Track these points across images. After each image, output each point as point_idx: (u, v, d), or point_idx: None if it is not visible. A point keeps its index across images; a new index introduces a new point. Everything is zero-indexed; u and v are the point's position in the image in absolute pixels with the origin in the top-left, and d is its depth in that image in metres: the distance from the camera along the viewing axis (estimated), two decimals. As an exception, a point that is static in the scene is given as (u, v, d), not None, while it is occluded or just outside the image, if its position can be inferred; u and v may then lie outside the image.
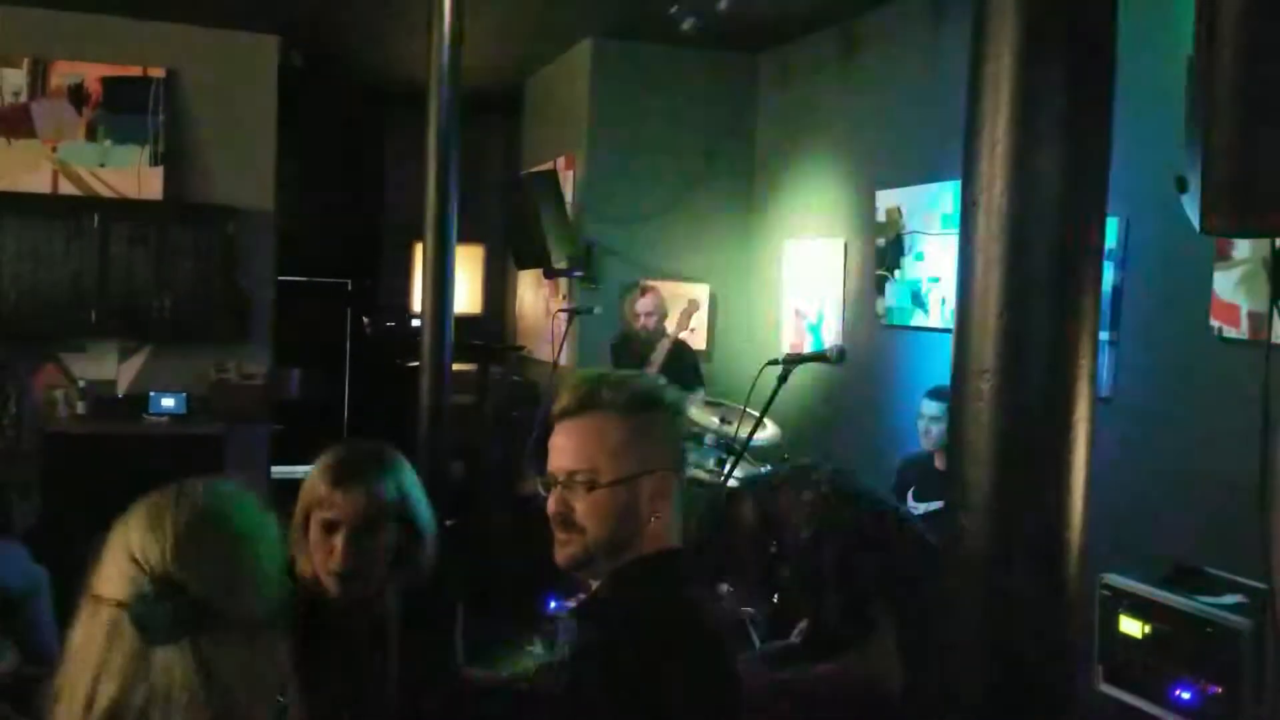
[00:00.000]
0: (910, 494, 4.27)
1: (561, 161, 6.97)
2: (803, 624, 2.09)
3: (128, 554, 1.19)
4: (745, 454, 3.82)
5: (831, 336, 5.84)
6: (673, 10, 5.31)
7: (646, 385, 1.62)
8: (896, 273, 5.31)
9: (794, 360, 3.61)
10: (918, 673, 1.91)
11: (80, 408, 6.37)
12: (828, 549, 1.97)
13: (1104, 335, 3.93)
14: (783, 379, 3.45)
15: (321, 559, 1.98)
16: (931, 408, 4.20)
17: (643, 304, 5.70)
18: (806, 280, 6.16)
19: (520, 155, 8.25)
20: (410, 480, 2.07)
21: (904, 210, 5.26)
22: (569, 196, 6.70)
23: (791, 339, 6.21)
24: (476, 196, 6.35)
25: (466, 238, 6.16)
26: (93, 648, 1.18)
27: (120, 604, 1.17)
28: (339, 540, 1.95)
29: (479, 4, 4.64)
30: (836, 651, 1.96)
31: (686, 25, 5.35)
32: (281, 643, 1.27)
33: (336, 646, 1.99)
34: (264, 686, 1.24)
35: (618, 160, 6.62)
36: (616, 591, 1.56)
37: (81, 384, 6.48)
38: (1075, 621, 1.22)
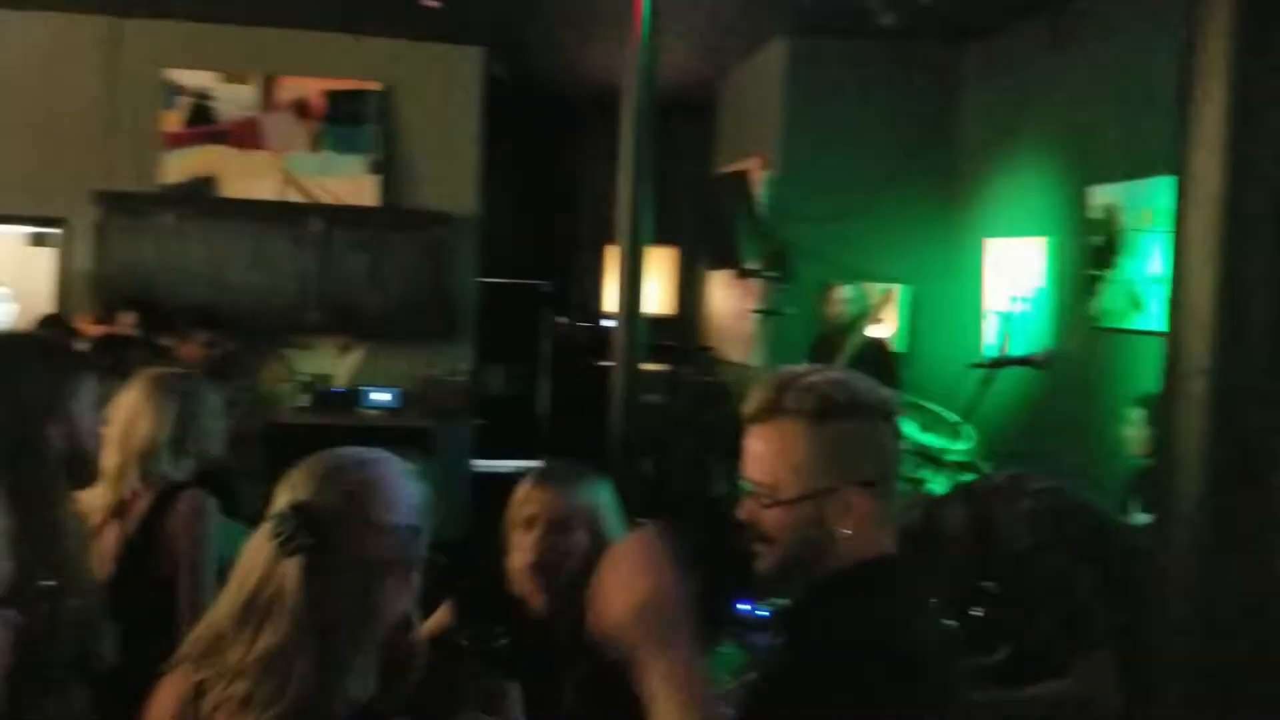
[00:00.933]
0: (1136, 506, 4.04)
1: (755, 162, 6.96)
2: (1008, 642, 1.98)
3: (285, 488, 1.47)
4: (944, 461, 3.72)
5: (1036, 339, 5.59)
6: (871, 4, 5.21)
7: (842, 388, 1.45)
8: (1111, 272, 5.04)
9: (999, 364, 3.46)
10: (1136, 693, 1.78)
11: (302, 400, 6.83)
12: (1044, 563, 1.85)
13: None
14: (986, 383, 3.32)
15: (521, 557, 2.06)
16: (1139, 415, 3.98)
17: (839, 291, 5.67)
18: (1010, 280, 5.92)
19: (713, 156, 8.29)
20: (606, 498, 2.15)
21: (1120, 206, 4.98)
22: (761, 197, 6.68)
23: (993, 341, 5.98)
24: (670, 198, 6.41)
25: (660, 240, 6.24)
26: (251, 552, 1.46)
27: (268, 520, 1.45)
28: (534, 534, 2.05)
29: (672, 7, 4.68)
30: (1046, 671, 1.84)
31: (885, 20, 5.24)
32: (398, 585, 1.47)
33: (541, 657, 2.04)
34: (368, 617, 1.44)
35: (812, 159, 6.54)
36: (812, 605, 1.46)
37: (304, 379, 6.94)
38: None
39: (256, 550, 1.46)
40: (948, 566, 2.08)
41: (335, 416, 6.71)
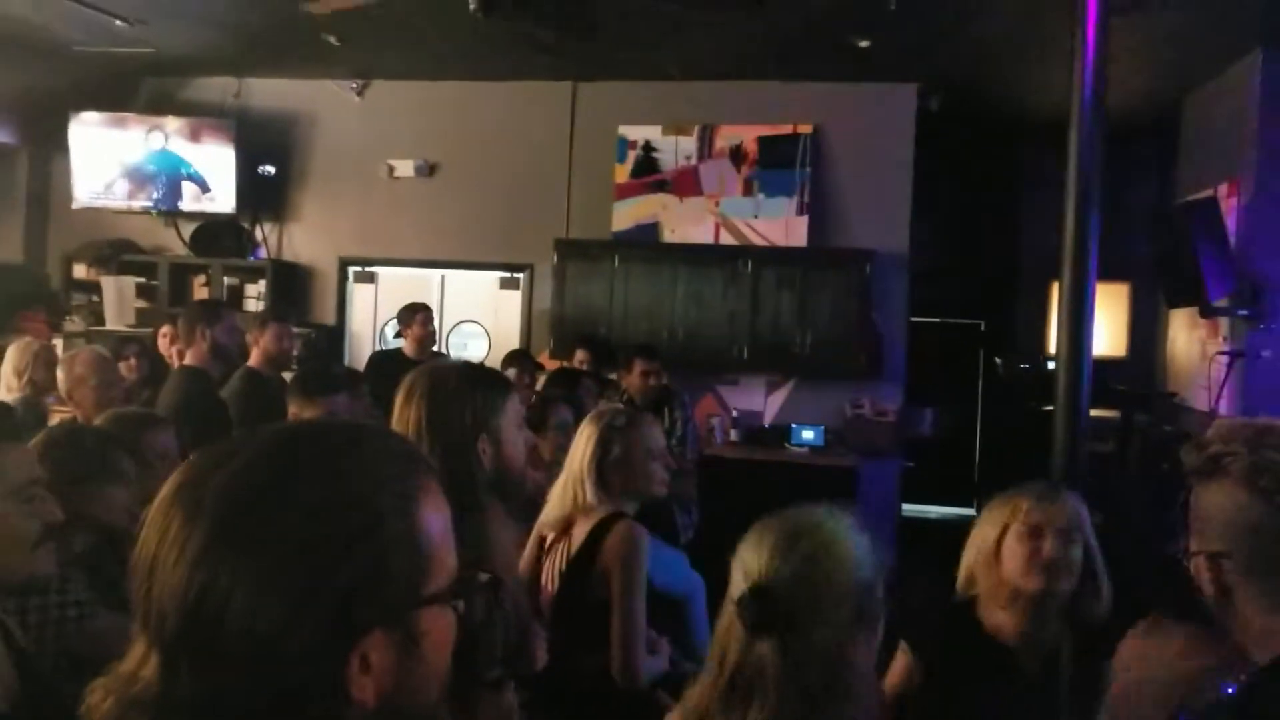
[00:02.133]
0: None
1: (1224, 189, 6.23)
2: None
3: (740, 564, 1.51)
4: None
5: None
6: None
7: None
8: None
9: None
10: None
11: (733, 435, 7.07)
12: None
13: None
14: None
15: (1020, 565, 2.14)
16: None
17: None
18: None
19: (1174, 184, 7.54)
20: (1092, 532, 2.24)
21: None
22: (1231, 226, 5.96)
23: None
24: (1122, 230, 5.92)
25: (1109, 275, 5.76)
26: (723, 633, 1.51)
27: (733, 603, 1.48)
28: (1046, 541, 2.14)
29: (1126, 24, 4.33)
30: None
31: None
32: (862, 650, 1.48)
33: (1011, 683, 2.12)
34: (841, 687, 1.45)
35: (1295, 182, 5.75)
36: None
37: (734, 414, 7.20)
38: None
39: (728, 629, 1.50)
40: None
41: (763, 452, 6.87)
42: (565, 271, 7.23)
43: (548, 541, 2.80)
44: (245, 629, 0.80)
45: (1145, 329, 8.02)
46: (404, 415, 2.07)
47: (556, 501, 2.73)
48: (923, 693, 2.12)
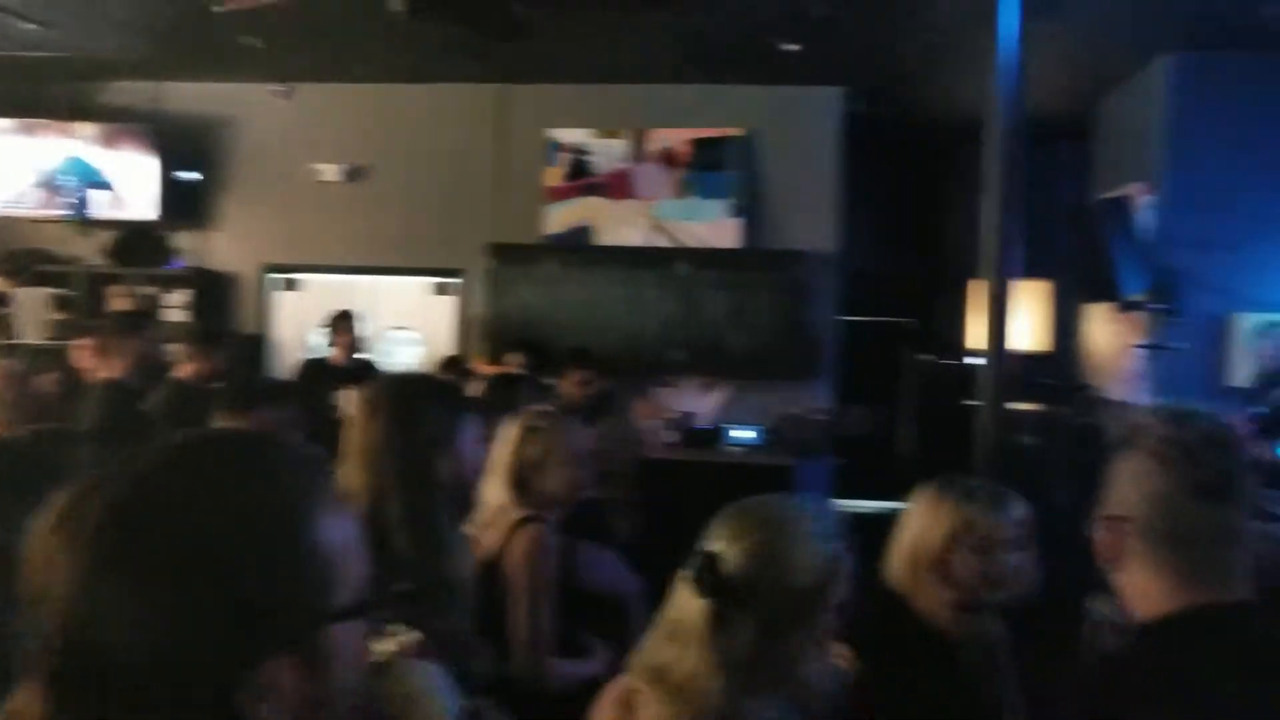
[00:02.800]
0: None
1: (1137, 187, 6.43)
2: None
3: (714, 526, 1.61)
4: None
5: None
6: (1266, 11, 4.69)
7: (1124, 422, 1.45)
8: None
9: None
10: None
11: (671, 437, 7.10)
12: None
13: None
14: None
15: (975, 577, 2.15)
16: None
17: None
18: None
19: (1090, 183, 7.75)
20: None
21: None
22: (1144, 223, 6.15)
23: None
24: (1044, 229, 6.05)
25: (1033, 272, 5.90)
26: (680, 582, 1.61)
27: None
28: (1000, 553, 2.15)
29: (1042, 30, 4.44)
30: None
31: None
32: (805, 640, 1.53)
33: (960, 680, 2.14)
34: (770, 671, 1.51)
35: (1200, 181, 5.95)
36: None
37: (672, 416, 7.22)
38: None
39: (683, 580, 1.60)
40: None
41: (700, 453, 6.90)
42: (498, 276, 7.20)
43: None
44: (132, 659, 0.75)
45: (1068, 325, 8.22)
46: (368, 430, 2.05)
47: (482, 504, 2.73)
48: (860, 689, 2.12)
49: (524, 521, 2.67)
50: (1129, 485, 1.38)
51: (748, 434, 7.00)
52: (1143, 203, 6.27)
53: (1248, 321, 5.81)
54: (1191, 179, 5.99)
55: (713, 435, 7.10)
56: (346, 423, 2.08)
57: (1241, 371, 5.75)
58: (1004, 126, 4.10)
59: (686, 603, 1.56)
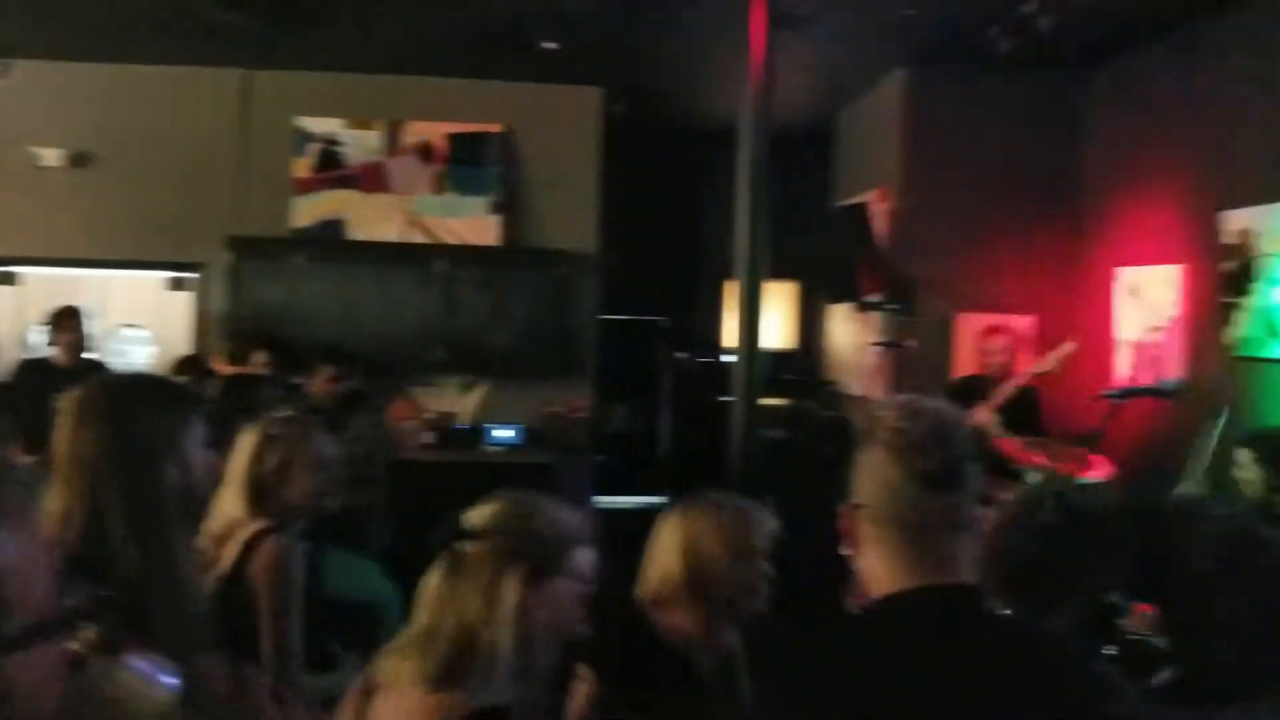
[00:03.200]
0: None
1: (875, 194, 6.85)
2: (1175, 665, 1.85)
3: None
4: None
5: (1168, 368, 5.32)
6: (990, 32, 5.09)
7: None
8: (1247, 299, 4.78)
9: (1124, 394, 3.32)
10: None
11: (429, 437, 6.95)
12: (1227, 592, 1.73)
13: None
14: (1113, 414, 3.17)
15: (726, 590, 2.16)
16: (1248, 456, 3.57)
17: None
18: (1140, 309, 5.67)
19: (834, 190, 8.20)
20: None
21: (1256, 231, 4.73)
22: (883, 229, 6.55)
23: (1124, 371, 5.72)
24: (791, 233, 6.35)
25: (781, 274, 6.17)
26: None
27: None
28: (753, 566, 2.19)
29: (788, 41, 4.65)
30: (1211, 701, 1.70)
31: (1005, 47, 5.12)
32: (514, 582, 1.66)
33: (689, 689, 2.10)
34: (495, 611, 1.64)
35: (933, 190, 6.40)
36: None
37: (429, 416, 7.07)
38: None
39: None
40: (1091, 585, 2.02)
41: (459, 454, 6.80)
42: (241, 271, 6.82)
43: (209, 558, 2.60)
44: None
45: (813, 324, 8.66)
46: (79, 436, 1.84)
47: (215, 514, 2.56)
48: (603, 710, 2.06)
49: (264, 534, 2.53)
50: (865, 475, 1.46)
51: (508, 433, 6.96)
52: (880, 210, 6.68)
53: (972, 322, 6.27)
54: (923, 188, 6.43)
55: (473, 435, 7.00)
56: (55, 430, 1.88)
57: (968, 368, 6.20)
58: (753, 132, 4.26)
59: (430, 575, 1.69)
